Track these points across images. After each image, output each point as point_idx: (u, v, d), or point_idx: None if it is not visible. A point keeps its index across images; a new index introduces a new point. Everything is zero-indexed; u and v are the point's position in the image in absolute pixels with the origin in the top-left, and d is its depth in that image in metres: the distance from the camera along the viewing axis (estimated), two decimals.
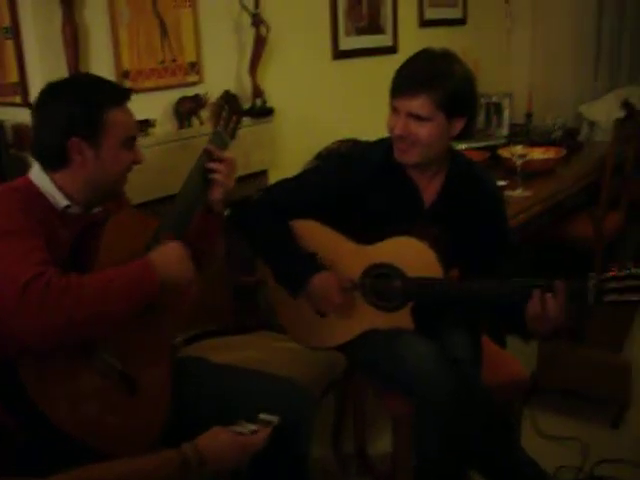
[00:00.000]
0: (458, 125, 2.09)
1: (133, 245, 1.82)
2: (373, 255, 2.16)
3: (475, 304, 2.18)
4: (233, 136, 2.07)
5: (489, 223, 2.19)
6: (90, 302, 1.60)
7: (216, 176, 1.97)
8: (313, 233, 2.25)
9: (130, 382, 1.78)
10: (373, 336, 2.20)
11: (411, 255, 2.11)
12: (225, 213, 2.09)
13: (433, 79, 2.01)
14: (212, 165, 1.97)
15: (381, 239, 2.15)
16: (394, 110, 2.08)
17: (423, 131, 2.04)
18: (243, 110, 2.11)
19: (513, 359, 2.43)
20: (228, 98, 2.09)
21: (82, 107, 1.76)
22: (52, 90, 1.81)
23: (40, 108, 1.82)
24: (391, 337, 2.15)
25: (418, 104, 2.02)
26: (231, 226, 2.24)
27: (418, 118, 2.03)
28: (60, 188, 1.80)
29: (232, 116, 2.06)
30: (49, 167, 1.80)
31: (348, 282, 2.19)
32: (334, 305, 2.18)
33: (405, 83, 2.05)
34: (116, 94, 1.83)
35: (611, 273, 1.86)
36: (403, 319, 2.15)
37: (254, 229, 2.29)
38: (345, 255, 2.21)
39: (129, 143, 1.83)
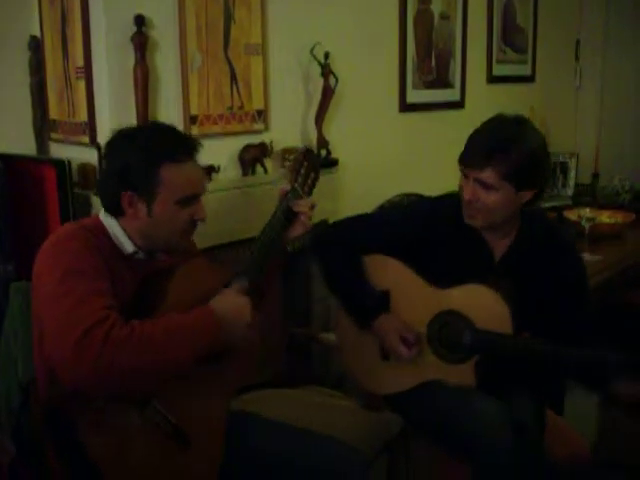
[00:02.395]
0: (527, 196, 2.05)
1: (202, 295, 1.76)
2: (445, 299, 2.12)
3: (545, 368, 2.09)
4: (310, 193, 2.03)
5: (565, 282, 2.11)
6: (149, 353, 1.56)
7: (301, 214, 1.95)
8: (388, 269, 2.22)
9: (183, 435, 1.72)
10: (432, 392, 2.13)
11: (483, 305, 2.07)
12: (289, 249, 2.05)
13: (500, 152, 1.97)
14: (299, 203, 1.95)
15: (453, 285, 2.11)
16: (464, 176, 2.07)
17: (490, 199, 2.02)
18: (320, 168, 2.08)
19: (574, 431, 2.32)
20: (308, 155, 2.06)
21: (138, 161, 1.71)
22: (117, 138, 1.79)
23: (106, 154, 1.80)
24: (455, 392, 2.08)
25: (485, 175, 2.00)
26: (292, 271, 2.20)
27: (485, 186, 2.01)
28: (127, 233, 1.77)
29: (310, 173, 2.03)
30: (111, 214, 1.78)
31: (412, 332, 2.14)
32: (394, 351, 2.14)
33: (473, 154, 2.03)
34: (177, 149, 1.75)
35: None
36: (466, 374, 2.08)
37: (327, 258, 2.28)
38: (417, 295, 2.17)
39: (187, 201, 1.76)
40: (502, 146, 1.98)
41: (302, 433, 1.98)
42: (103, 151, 1.83)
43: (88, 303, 1.57)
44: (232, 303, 1.74)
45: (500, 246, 2.15)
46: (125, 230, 1.77)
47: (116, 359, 1.52)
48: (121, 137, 1.79)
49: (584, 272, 2.21)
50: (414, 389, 2.18)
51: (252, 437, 1.93)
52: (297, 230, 1.97)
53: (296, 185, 1.98)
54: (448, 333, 2.12)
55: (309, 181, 2.02)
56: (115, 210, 1.76)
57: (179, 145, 1.77)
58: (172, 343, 1.59)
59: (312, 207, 1.97)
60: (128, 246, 1.77)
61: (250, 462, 1.89)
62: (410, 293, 2.19)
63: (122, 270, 1.74)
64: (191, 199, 1.77)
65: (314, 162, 2.05)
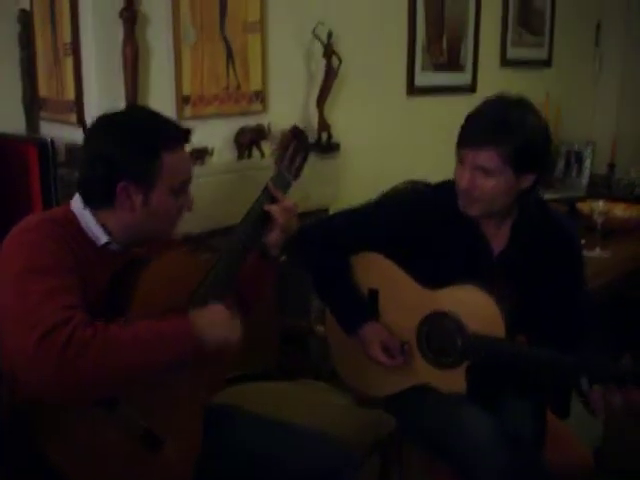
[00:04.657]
0: (527, 180, 1.95)
1: (176, 290, 1.68)
2: (435, 301, 2.04)
3: (542, 373, 2.01)
4: (297, 176, 1.93)
5: (563, 272, 2.03)
6: (114, 359, 1.46)
7: (275, 219, 1.83)
8: (377, 267, 2.15)
9: (154, 439, 1.63)
10: (425, 399, 2.07)
11: (475, 307, 1.98)
12: (281, 259, 1.95)
13: (502, 132, 1.88)
14: (272, 208, 1.83)
15: (445, 284, 2.02)
16: (460, 160, 1.96)
17: (489, 185, 1.91)
18: (309, 148, 1.97)
19: (575, 438, 2.26)
20: (296, 134, 1.95)
21: (138, 150, 1.62)
22: (107, 124, 1.68)
23: (91, 141, 1.69)
24: (446, 404, 2.01)
25: (485, 157, 1.89)
26: (287, 265, 2.11)
27: (484, 171, 1.90)
28: (102, 224, 1.67)
29: (298, 154, 1.92)
30: (92, 204, 1.67)
31: (395, 342, 2.08)
32: (377, 361, 2.08)
33: (473, 133, 1.92)
34: (174, 137, 1.68)
35: None
36: (456, 380, 2.01)
37: (312, 262, 2.21)
38: (406, 296, 2.09)
39: (180, 189, 1.69)
40: (503, 126, 1.88)
41: (289, 429, 1.92)
42: (86, 135, 1.72)
43: (49, 302, 1.47)
44: (210, 315, 1.64)
45: (498, 238, 2.06)
46: (100, 220, 1.66)
47: (79, 362, 1.42)
48: (108, 123, 1.68)
49: (582, 264, 2.13)
50: (403, 393, 2.11)
51: (235, 430, 1.87)
52: (274, 236, 1.86)
53: (282, 168, 1.88)
54: (438, 336, 2.04)
55: (297, 162, 1.92)
56: (101, 203, 1.65)
57: (174, 132, 1.69)
58: (141, 351, 1.50)
59: (288, 211, 1.84)
60: (101, 237, 1.67)
61: (234, 458, 1.82)
62: (400, 293, 2.11)
63: (94, 262, 1.64)
64: (184, 187, 1.71)
65: (303, 142, 1.94)
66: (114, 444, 1.58)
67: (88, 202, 1.67)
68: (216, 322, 1.63)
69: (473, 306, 1.98)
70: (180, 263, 1.76)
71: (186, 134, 1.72)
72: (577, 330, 2.01)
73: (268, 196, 1.84)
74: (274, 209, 1.82)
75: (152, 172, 1.62)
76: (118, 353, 1.47)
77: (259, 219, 1.82)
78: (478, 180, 1.92)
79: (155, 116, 1.73)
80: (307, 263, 2.22)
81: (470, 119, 1.96)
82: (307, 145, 1.97)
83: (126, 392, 1.58)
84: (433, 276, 2.03)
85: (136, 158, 1.62)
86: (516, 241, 2.05)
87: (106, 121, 1.69)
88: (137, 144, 1.63)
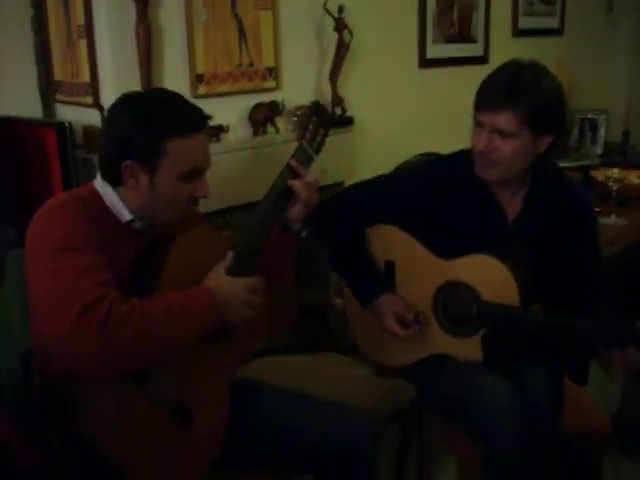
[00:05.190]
0: (545, 143, 1.95)
1: (202, 266, 1.69)
2: (450, 271, 2.04)
3: (558, 339, 2.03)
4: (318, 151, 1.91)
5: (578, 239, 2.03)
6: (149, 333, 1.50)
7: (297, 194, 1.82)
8: (393, 239, 2.15)
9: (185, 412, 1.67)
10: (444, 367, 2.08)
11: (489, 276, 1.98)
12: (303, 234, 1.95)
13: (519, 93, 1.88)
14: (295, 183, 1.82)
15: (460, 254, 2.02)
16: (477, 124, 1.96)
17: (507, 148, 1.91)
18: (330, 124, 1.97)
19: (593, 405, 2.25)
20: (317, 109, 1.93)
21: (143, 131, 1.62)
22: (121, 105, 1.69)
23: (107, 122, 1.71)
24: (464, 372, 2.02)
25: (503, 119, 1.89)
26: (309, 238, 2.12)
27: (502, 133, 1.90)
28: (124, 201, 1.69)
29: (319, 129, 1.90)
30: (108, 182, 1.70)
31: (410, 313, 2.09)
32: (392, 332, 2.09)
33: (490, 96, 1.92)
34: (185, 122, 1.65)
35: None
36: (472, 348, 2.02)
37: (329, 234, 2.20)
38: (422, 266, 2.10)
39: (190, 176, 1.67)
40: (520, 88, 1.89)
41: (310, 401, 1.94)
42: (105, 116, 1.74)
43: (84, 279, 1.49)
44: (229, 284, 1.66)
45: (512, 205, 2.06)
46: (122, 198, 1.69)
47: (118, 337, 1.45)
48: (126, 104, 1.69)
49: (597, 231, 2.13)
50: (422, 362, 2.12)
51: (259, 404, 1.89)
52: (297, 210, 1.85)
53: (304, 142, 1.87)
54: (453, 305, 2.05)
55: (318, 137, 1.90)
56: (114, 178, 1.67)
57: (187, 118, 1.67)
58: (173, 322, 1.54)
59: (310, 186, 1.83)
60: (125, 214, 1.69)
61: (257, 430, 1.85)
62: (415, 264, 2.11)
63: (119, 239, 1.67)
64: (194, 174, 1.68)
65: (324, 117, 1.92)
66: (147, 417, 1.61)
67: (105, 179, 1.69)
68: (236, 289, 1.66)
69: (488, 275, 1.98)
70: (204, 240, 1.77)
71: (201, 121, 1.69)
72: (591, 296, 2.02)
73: (291, 171, 1.83)
74: (297, 184, 1.82)
75: (156, 155, 1.62)
76: (152, 327, 1.50)
77: (282, 194, 1.82)
78: (496, 142, 1.92)
79: (172, 99, 1.72)
80: (324, 236, 2.22)
81: (486, 83, 1.96)
82: (328, 120, 1.95)
83: (159, 365, 1.61)
84: (448, 245, 2.04)
85: (142, 139, 1.62)
86: (530, 208, 2.04)
87: (122, 102, 1.70)
88: (144, 126, 1.63)
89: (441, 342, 2.07)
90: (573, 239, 2.03)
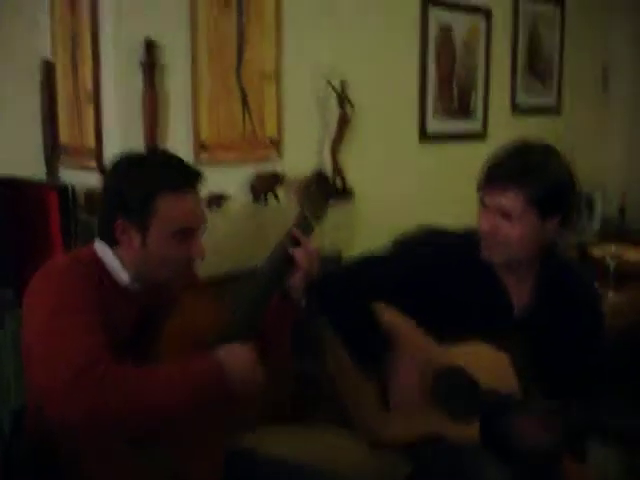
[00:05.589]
0: (551, 226, 1.91)
1: (201, 331, 1.70)
2: (448, 357, 2.00)
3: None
4: (320, 220, 1.93)
5: (584, 335, 1.99)
6: (145, 398, 1.48)
7: (298, 263, 1.83)
8: (391, 321, 2.09)
9: (178, 477, 1.64)
10: (441, 447, 2.02)
11: (488, 365, 1.94)
12: (302, 303, 1.94)
13: (526, 173, 1.85)
14: (296, 251, 1.83)
15: (461, 339, 1.98)
16: (483, 204, 1.93)
17: (513, 232, 1.88)
18: (333, 193, 1.98)
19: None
20: (319, 179, 1.94)
21: (133, 188, 1.64)
22: (118, 163, 1.72)
23: (105, 180, 1.74)
24: (462, 454, 1.97)
25: (508, 200, 1.86)
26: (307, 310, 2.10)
27: (508, 217, 1.87)
28: (122, 263, 1.69)
29: (321, 199, 1.92)
30: (106, 242, 1.70)
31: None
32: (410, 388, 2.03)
33: (495, 175, 1.89)
34: (176, 179, 1.66)
35: None
36: (469, 431, 1.97)
37: (332, 303, 2.11)
38: (419, 350, 2.05)
39: (182, 235, 1.66)
40: (527, 168, 1.85)
41: (305, 471, 1.90)
42: (105, 175, 1.77)
43: (82, 341, 1.49)
44: (239, 356, 1.64)
45: (520, 293, 2.01)
46: (120, 260, 1.69)
47: (109, 401, 1.44)
48: (121, 163, 1.72)
49: (602, 315, 2.08)
50: (416, 443, 2.07)
51: (255, 475, 1.86)
52: (297, 279, 1.86)
53: (305, 211, 1.88)
54: (451, 391, 2.00)
55: (319, 207, 1.92)
56: (110, 238, 1.68)
57: (179, 175, 1.68)
58: (171, 391, 1.51)
59: (311, 255, 1.85)
60: (123, 276, 1.70)
61: None
62: (414, 348, 2.06)
63: (118, 302, 1.67)
64: (187, 233, 1.68)
65: (326, 186, 1.94)
66: None
67: (102, 239, 1.70)
68: (245, 361, 1.64)
69: (487, 363, 1.95)
70: (204, 306, 1.78)
71: (193, 178, 1.69)
72: (593, 386, 1.98)
73: (292, 240, 1.84)
74: (298, 252, 1.83)
75: (147, 212, 1.62)
76: (149, 391, 1.49)
77: (283, 262, 1.83)
78: (501, 224, 1.88)
79: (167, 157, 1.74)
80: (328, 310, 2.13)
81: (492, 162, 1.93)
82: (331, 190, 1.97)
83: (154, 430, 1.59)
84: (449, 329, 1.99)
85: (132, 196, 1.63)
86: (539, 300, 2.00)
87: (118, 161, 1.73)
88: (135, 183, 1.64)
89: (438, 423, 2.02)
90: (580, 333, 1.98)
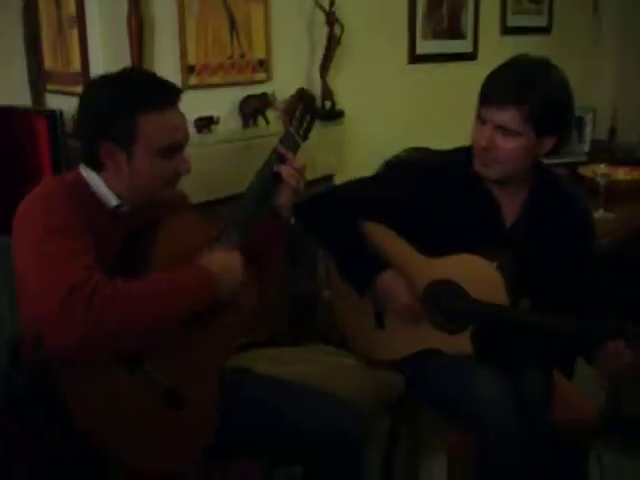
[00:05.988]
0: (548, 144, 1.93)
1: (190, 248, 1.70)
2: (438, 270, 2.04)
3: (545, 337, 2.04)
4: (305, 138, 1.93)
5: (576, 249, 2.03)
6: (136, 312, 1.50)
7: (285, 180, 1.84)
8: (378, 237, 2.13)
9: (176, 397, 1.67)
10: (435, 361, 2.08)
11: (477, 275, 1.99)
12: (291, 221, 1.96)
13: (525, 91, 1.85)
14: (282, 168, 1.84)
15: (453, 252, 2.02)
16: (480, 119, 1.93)
17: (509, 146, 1.89)
18: (319, 110, 1.97)
19: (581, 396, 2.26)
20: (303, 96, 1.95)
21: (114, 108, 1.63)
22: (96, 85, 1.71)
23: (81, 102, 1.71)
24: (456, 367, 2.03)
25: (507, 117, 1.86)
26: (296, 227, 2.11)
27: (505, 131, 1.88)
28: (109, 186, 1.70)
29: (306, 116, 1.92)
30: (91, 167, 1.70)
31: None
32: (401, 305, 2.05)
33: (495, 92, 1.90)
34: (156, 97, 1.66)
35: None
36: (462, 343, 2.02)
37: (322, 223, 2.17)
38: (409, 266, 2.08)
39: (168, 152, 1.68)
40: (526, 85, 1.86)
41: (299, 390, 1.95)
42: (79, 99, 1.73)
43: (70, 263, 1.50)
44: (223, 260, 1.67)
45: (511, 207, 2.04)
46: (107, 183, 1.69)
47: (102, 318, 1.46)
48: (98, 83, 1.71)
49: (592, 225, 2.12)
50: (412, 358, 2.12)
51: (250, 393, 1.90)
52: (284, 196, 1.87)
53: (291, 129, 1.89)
54: (442, 303, 2.04)
55: (305, 124, 1.92)
56: (94, 162, 1.68)
57: (158, 92, 1.68)
58: (161, 301, 1.54)
59: (298, 172, 1.85)
60: (111, 199, 1.70)
61: (247, 417, 1.86)
62: (402, 262, 2.09)
63: (107, 225, 1.68)
64: (173, 149, 1.69)
65: (311, 105, 1.95)
66: (139, 403, 1.61)
67: (88, 164, 1.70)
68: (230, 264, 1.67)
69: (476, 274, 1.98)
70: (192, 223, 1.79)
71: (174, 95, 1.69)
72: (583, 300, 2.01)
73: (278, 157, 1.85)
74: (285, 169, 1.84)
75: (131, 132, 1.62)
76: (139, 305, 1.51)
77: (269, 179, 1.84)
78: (498, 140, 1.89)
79: (145, 76, 1.74)
80: (316, 225, 2.19)
81: (492, 77, 1.93)
82: (315, 106, 1.97)
83: (149, 347, 1.61)
84: (442, 243, 2.02)
85: (115, 118, 1.62)
86: (530, 213, 2.03)
87: (96, 82, 1.71)
88: (116, 104, 1.63)
89: (432, 337, 2.07)
90: (570, 247, 2.02)
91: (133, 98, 1.64)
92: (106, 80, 1.70)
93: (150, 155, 1.65)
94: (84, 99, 1.71)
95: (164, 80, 1.72)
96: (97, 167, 1.68)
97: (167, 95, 1.69)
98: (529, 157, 1.94)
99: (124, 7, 2.27)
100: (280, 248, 2.00)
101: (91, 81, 1.72)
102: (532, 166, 1.99)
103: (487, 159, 1.94)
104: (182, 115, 1.72)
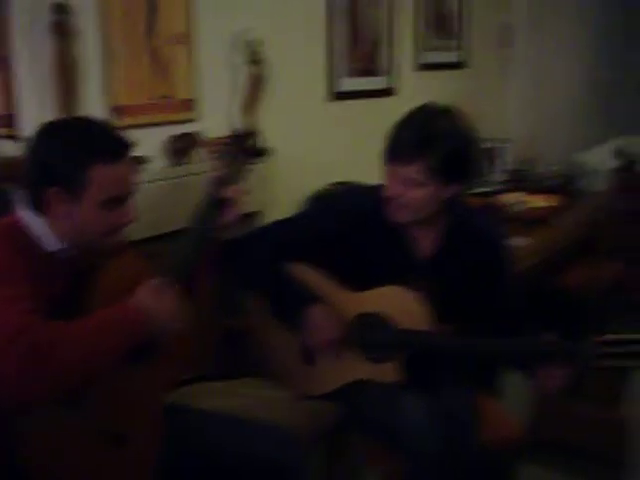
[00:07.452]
0: (454, 189, 2.01)
1: (129, 292, 1.70)
2: (365, 303, 2.09)
3: (471, 359, 2.12)
4: (241, 179, 1.99)
5: (490, 278, 2.11)
6: (74, 352, 1.51)
7: (234, 197, 1.91)
8: (305, 276, 2.15)
9: (118, 436, 1.68)
10: (366, 389, 2.11)
11: (400, 305, 2.04)
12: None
13: (428, 145, 1.91)
14: (228, 189, 1.91)
15: (371, 287, 2.07)
16: (388, 173, 2.00)
17: (417, 195, 1.97)
18: (253, 149, 2.05)
19: (505, 413, 2.33)
20: (238, 139, 2.05)
21: (65, 158, 1.64)
22: (45, 131, 1.71)
23: (32, 149, 1.71)
24: (385, 394, 2.07)
25: (411, 171, 1.93)
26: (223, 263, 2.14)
27: (412, 184, 1.95)
28: (52, 230, 1.70)
29: (241, 158, 2.01)
30: (34, 210, 1.70)
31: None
32: (326, 340, 2.07)
33: (399, 148, 1.95)
34: (109, 150, 1.67)
35: (609, 337, 1.84)
36: (389, 371, 2.06)
37: (248, 265, 2.18)
38: (336, 301, 2.12)
39: (114, 203, 1.69)
40: (430, 140, 1.91)
41: (238, 421, 1.97)
42: (29, 143, 1.73)
43: (7, 310, 1.50)
44: (155, 293, 1.67)
45: (427, 241, 2.11)
46: (50, 227, 1.69)
47: (45, 362, 1.47)
48: (50, 130, 1.71)
49: (506, 253, 2.19)
50: (342, 389, 2.14)
51: (189, 427, 1.91)
52: (227, 218, 1.92)
53: (227, 171, 1.94)
54: (367, 334, 2.08)
55: (240, 167, 1.98)
56: (39, 206, 1.69)
57: (110, 145, 1.69)
58: (96, 337, 1.55)
59: (241, 192, 1.92)
60: (53, 243, 1.70)
61: (188, 452, 1.87)
62: (330, 299, 2.11)
63: (47, 268, 1.68)
64: (118, 201, 1.71)
65: (245, 147, 2.02)
66: (79, 442, 1.62)
67: (31, 208, 1.69)
68: (163, 296, 1.67)
69: (399, 305, 2.04)
70: (132, 266, 1.81)
71: (125, 148, 1.71)
72: (506, 323, 2.08)
73: (219, 182, 1.91)
74: (230, 189, 1.90)
75: (80, 182, 1.64)
76: (76, 346, 1.51)
77: (212, 208, 1.88)
78: (406, 190, 1.96)
79: (95, 127, 1.74)
80: (244, 265, 2.19)
81: (396, 132, 1.97)
82: (250, 150, 2.07)
83: (91, 384, 1.62)
84: (364, 278, 2.07)
85: (66, 167, 1.63)
86: (445, 247, 2.09)
87: (46, 129, 1.71)
88: (68, 153, 1.64)
89: (361, 368, 2.10)
90: (484, 275, 2.09)
91: (86, 150, 1.65)
92: (58, 128, 1.72)
93: (97, 205, 1.66)
94: (35, 144, 1.70)
95: (116, 132, 1.74)
96: (41, 211, 1.68)
97: (119, 148, 1.70)
98: (437, 202, 2.01)
99: (50, 48, 2.27)
100: (210, 269, 2.02)
101: (42, 126, 1.71)
102: (443, 206, 2.05)
103: (397, 207, 2.01)
104: (130, 167, 1.74)
